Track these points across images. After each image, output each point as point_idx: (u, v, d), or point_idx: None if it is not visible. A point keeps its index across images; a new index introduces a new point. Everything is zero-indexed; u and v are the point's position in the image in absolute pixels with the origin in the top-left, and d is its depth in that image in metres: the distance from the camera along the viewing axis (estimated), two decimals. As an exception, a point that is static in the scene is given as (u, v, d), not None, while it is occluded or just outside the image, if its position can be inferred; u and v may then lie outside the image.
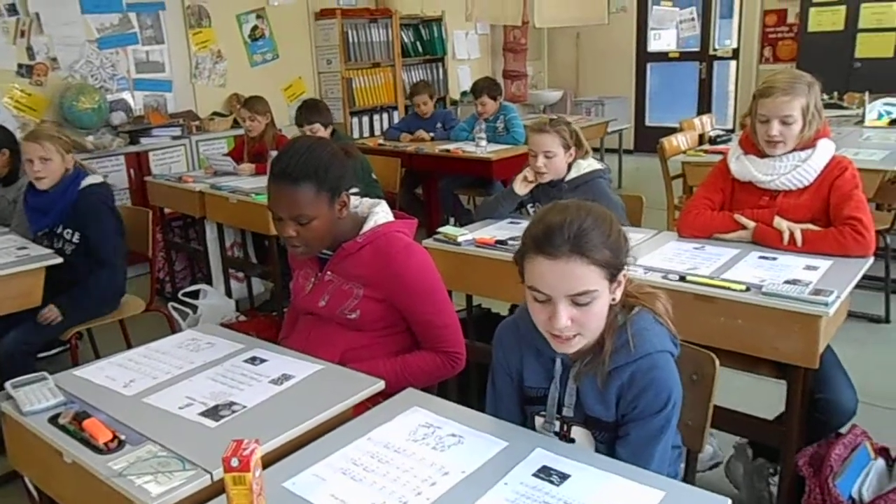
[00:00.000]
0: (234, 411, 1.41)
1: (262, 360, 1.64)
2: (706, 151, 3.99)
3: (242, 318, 3.64)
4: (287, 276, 3.88)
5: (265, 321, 3.58)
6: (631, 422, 1.25)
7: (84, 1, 4.73)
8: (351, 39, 6.22)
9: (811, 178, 2.20)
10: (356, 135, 6.38)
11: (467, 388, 2.34)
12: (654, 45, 8.46)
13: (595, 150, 6.45)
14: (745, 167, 2.30)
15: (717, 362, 1.40)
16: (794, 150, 2.21)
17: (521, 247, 1.26)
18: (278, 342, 1.89)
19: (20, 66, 4.55)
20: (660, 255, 2.20)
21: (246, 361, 1.64)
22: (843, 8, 6.67)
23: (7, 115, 4.49)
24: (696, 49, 8.09)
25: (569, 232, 1.18)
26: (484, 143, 4.41)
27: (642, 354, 1.24)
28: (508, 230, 2.59)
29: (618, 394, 1.26)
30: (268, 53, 5.91)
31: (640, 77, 8.49)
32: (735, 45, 7.81)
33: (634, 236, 2.39)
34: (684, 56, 8.23)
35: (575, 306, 1.20)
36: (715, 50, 7.97)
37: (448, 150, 4.58)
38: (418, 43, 7.02)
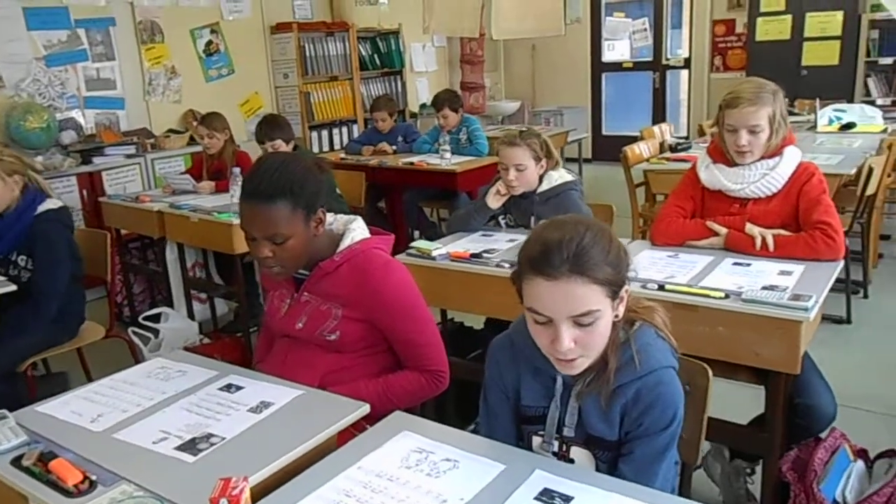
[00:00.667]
0: (212, 444, 1.34)
1: (239, 388, 1.57)
2: (668, 159, 4.03)
3: (206, 340, 3.53)
4: (253, 295, 3.81)
5: (230, 343, 3.47)
6: (636, 439, 1.22)
7: (30, 17, 4.56)
8: (308, 53, 6.16)
9: (780, 185, 2.23)
10: (316, 149, 6.30)
11: (444, 405, 2.30)
12: (608, 56, 8.59)
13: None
14: (714, 176, 2.32)
15: (710, 373, 1.39)
16: (763, 158, 2.24)
17: (518, 267, 1.22)
18: (253, 366, 1.82)
19: (-38, 85, 4.37)
20: (635, 265, 2.19)
21: (221, 389, 1.57)
22: (788, 17, 6.89)
23: (-51, 137, 4.30)
24: (650, 59, 8.25)
25: (567, 251, 1.14)
26: (448, 155, 4.39)
27: (648, 371, 1.22)
28: (482, 243, 2.56)
29: (622, 412, 1.23)
30: (223, 68, 5.80)
31: (596, 87, 8.61)
32: (686, 55, 7.99)
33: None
34: (638, 66, 8.38)
35: (578, 327, 1.17)
36: (667, 59, 8.13)
37: (412, 163, 4.55)
38: (376, 56, 6.99)
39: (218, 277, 3.96)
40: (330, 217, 1.72)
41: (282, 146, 3.52)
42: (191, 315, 3.74)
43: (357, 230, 1.71)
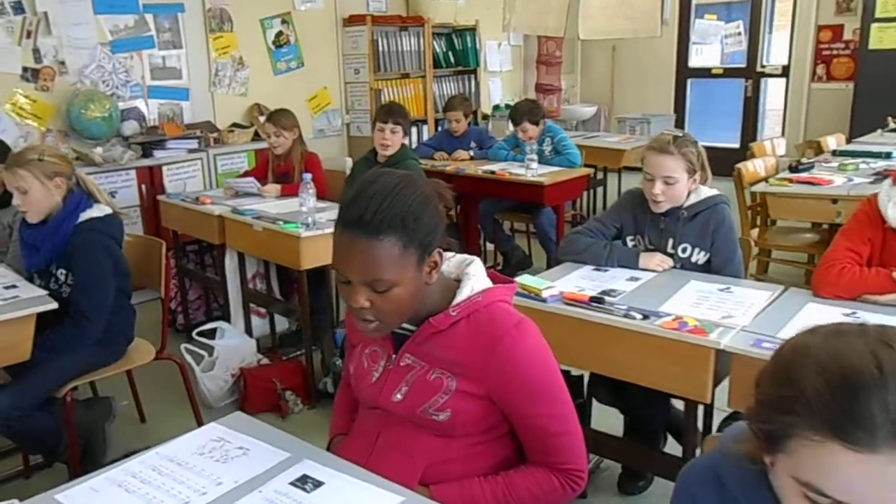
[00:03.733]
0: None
1: (317, 484, 1.18)
2: (790, 180, 3.51)
3: (265, 360, 3.19)
4: (318, 309, 3.47)
5: (291, 367, 3.13)
6: None
7: (97, 0, 4.32)
8: (381, 48, 5.80)
9: None
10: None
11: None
12: (695, 61, 8.01)
13: (638, 170, 6.06)
14: (905, 215, 1.85)
15: None
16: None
17: (798, 420, 0.74)
18: (330, 443, 1.44)
19: (25, 69, 4.13)
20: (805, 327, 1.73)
21: (294, 484, 1.18)
22: (908, 24, 6.22)
23: (9, 124, 4.09)
24: (742, 65, 7.64)
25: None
26: (535, 165, 3.95)
27: None
28: (598, 280, 2.13)
29: None
30: (292, 61, 5.50)
31: (680, 94, 8.04)
32: (785, 62, 7.35)
33: (755, 295, 1.94)
34: (728, 72, 7.78)
35: None
36: (763, 66, 7.51)
37: (493, 172, 4.13)
38: (450, 53, 6.59)
39: (278, 290, 3.62)
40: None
41: (399, 133, 3.48)
42: (248, 330, 3.41)
43: (476, 276, 1.31)
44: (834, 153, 4.30)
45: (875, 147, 4.37)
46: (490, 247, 4.85)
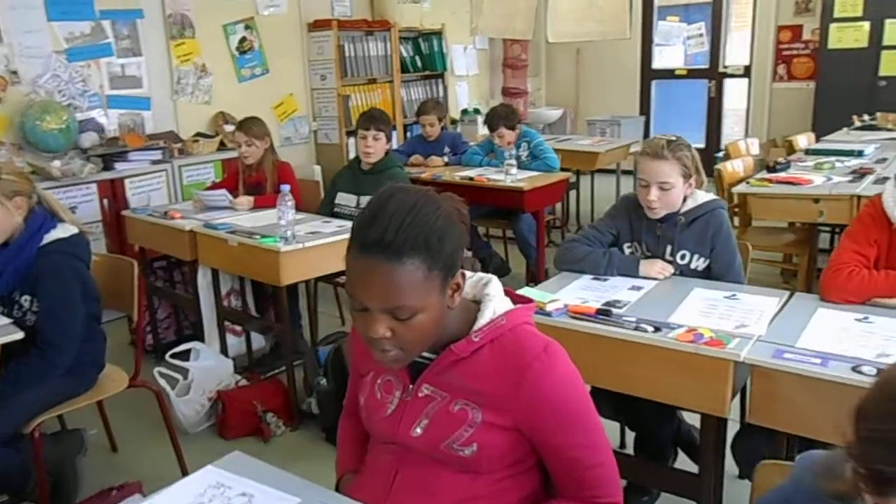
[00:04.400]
0: None
1: (335, 534, 1.07)
2: (770, 181, 3.50)
3: (243, 381, 3.04)
4: (295, 325, 3.33)
5: (271, 387, 2.99)
6: None
7: (51, 6, 4.11)
8: (347, 53, 5.68)
9: None
10: (352, 157, 5.79)
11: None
12: (658, 62, 8.07)
13: (611, 172, 6.04)
14: (913, 215, 1.81)
15: None
16: None
17: None
18: (339, 482, 1.33)
19: (-27, 79, 3.92)
20: (821, 335, 1.68)
21: (310, 535, 1.07)
22: (866, 24, 6.34)
23: (-42, 138, 3.86)
24: (705, 66, 7.72)
25: None
26: (514, 170, 3.88)
27: None
28: (599, 290, 2.06)
29: None
30: (257, 68, 5.33)
31: (645, 95, 8.09)
32: (747, 62, 7.45)
33: (763, 302, 1.89)
34: (691, 73, 7.85)
35: None
36: (725, 67, 7.60)
37: (471, 178, 4.04)
38: (417, 57, 6.50)
39: (254, 307, 3.47)
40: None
41: (382, 139, 3.40)
42: (223, 350, 3.26)
43: (497, 297, 1.21)
44: (807, 152, 4.33)
45: (843, 145, 4.42)
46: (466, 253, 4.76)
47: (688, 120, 7.88)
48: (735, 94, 7.68)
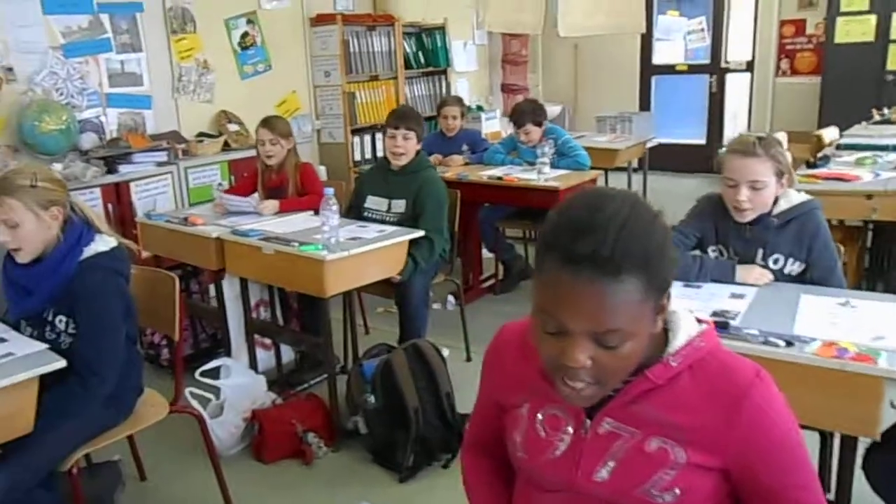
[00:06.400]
0: None
1: None
2: (816, 177, 3.38)
3: (277, 399, 2.83)
4: (328, 336, 3.10)
5: (310, 404, 2.79)
6: None
7: (46, -1, 3.84)
8: (352, 48, 5.46)
9: None
10: (357, 157, 5.61)
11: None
12: (658, 57, 7.97)
13: (622, 170, 5.91)
14: None
15: None
16: None
17: None
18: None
19: (-35, 78, 3.64)
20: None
21: None
22: (873, 17, 6.29)
23: (-50, 140, 3.57)
24: (706, 61, 7.63)
25: None
26: (547, 169, 3.71)
27: None
28: (695, 299, 1.90)
29: None
30: (259, 64, 5.09)
31: (645, 91, 7.98)
32: (749, 58, 7.37)
33: (884, 308, 1.74)
34: (692, 69, 7.76)
35: None
36: (727, 62, 7.52)
37: (500, 178, 3.86)
38: (420, 53, 6.30)
39: (282, 318, 3.25)
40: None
41: (413, 140, 3.23)
42: (253, 365, 3.04)
43: (685, 315, 1.04)
44: (839, 147, 4.23)
45: (869, 140, 4.32)
46: (488, 255, 4.58)
47: (688, 115, 7.79)
48: (736, 89, 7.61)
